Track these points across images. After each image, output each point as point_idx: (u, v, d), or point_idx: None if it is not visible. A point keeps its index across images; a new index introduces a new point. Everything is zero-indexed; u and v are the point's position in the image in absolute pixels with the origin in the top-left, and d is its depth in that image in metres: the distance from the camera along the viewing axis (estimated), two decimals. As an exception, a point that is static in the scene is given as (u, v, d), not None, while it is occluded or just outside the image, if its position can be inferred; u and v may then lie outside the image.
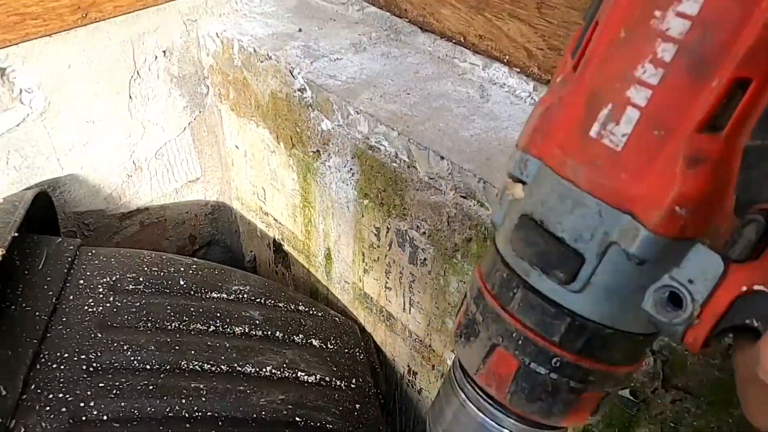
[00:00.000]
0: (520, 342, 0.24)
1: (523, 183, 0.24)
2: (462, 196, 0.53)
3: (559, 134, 0.22)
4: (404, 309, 0.66)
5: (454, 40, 0.65)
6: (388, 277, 0.66)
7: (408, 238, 0.60)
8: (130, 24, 0.69)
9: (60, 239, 0.66)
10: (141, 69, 0.73)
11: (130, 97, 0.74)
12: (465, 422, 0.30)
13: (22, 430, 0.48)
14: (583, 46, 0.22)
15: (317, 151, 0.66)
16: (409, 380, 0.72)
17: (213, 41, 0.73)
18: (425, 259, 0.59)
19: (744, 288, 0.20)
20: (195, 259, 0.71)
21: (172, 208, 0.87)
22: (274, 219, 0.82)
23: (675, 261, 0.21)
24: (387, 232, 0.62)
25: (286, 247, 0.83)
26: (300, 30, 0.71)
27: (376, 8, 0.73)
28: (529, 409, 0.26)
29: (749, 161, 0.19)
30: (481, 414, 0.29)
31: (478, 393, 0.28)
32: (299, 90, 0.64)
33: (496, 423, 0.28)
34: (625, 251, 0.21)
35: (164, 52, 0.74)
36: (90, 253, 0.66)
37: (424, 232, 0.58)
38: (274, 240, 0.85)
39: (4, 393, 0.49)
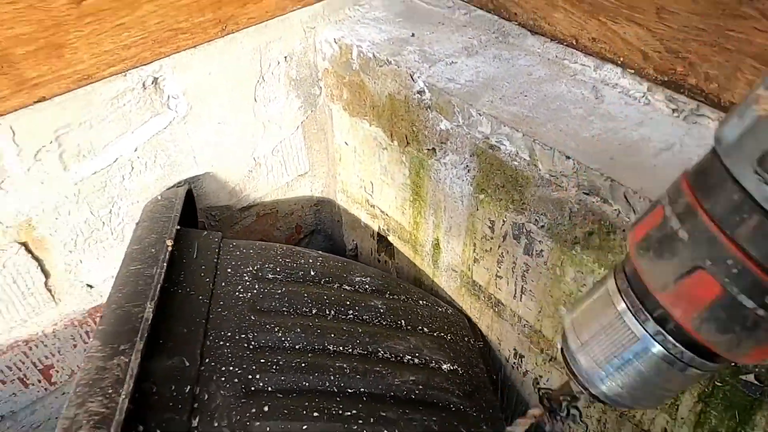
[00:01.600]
0: (734, 271, 0.22)
1: None
2: (585, 193, 0.57)
3: None
4: (515, 296, 0.71)
5: (565, 43, 0.69)
6: (499, 267, 0.71)
7: (525, 230, 0.65)
8: (259, 34, 0.75)
9: (206, 232, 0.74)
10: (265, 74, 0.79)
11: (255, 99, 0.80)
12: (618, 334, 0.28)
13: (206, 396, 0.55)
14: None
15: (433, 148, 0.71)
16: (514, 363, 0.77)
17: (330, 46, 0.79)
18: (542, 250, 0.64)
19: None
20: (319, 251, 0.78)
21: (282, 200, 0.94)
22: (381, 211, 0.88)
23: None
24: (502, 224, 0.67)
25: (391, 238, 0.89)
26: (413, 35, 0.75)
27: (483, 11, 0.77)
28: (714, 338, 0.24)
29: None
30: (641, 328, 0.27)
31: (643, 307, 0.27)
32: (418, 92, 0.69)
33: (658, 342, 0.26)
34: None
35: (285, 57, 0.80)
36: (231, 245, 0.74)
37: (543, 226, 0.62)
38: (379, 230, 0.91)
39: (187, 364, 0.57)
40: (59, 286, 0.75)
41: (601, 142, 0.58)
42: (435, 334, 0.72)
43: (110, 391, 0.48)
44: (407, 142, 0.75)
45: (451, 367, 0.67)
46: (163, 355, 0.57)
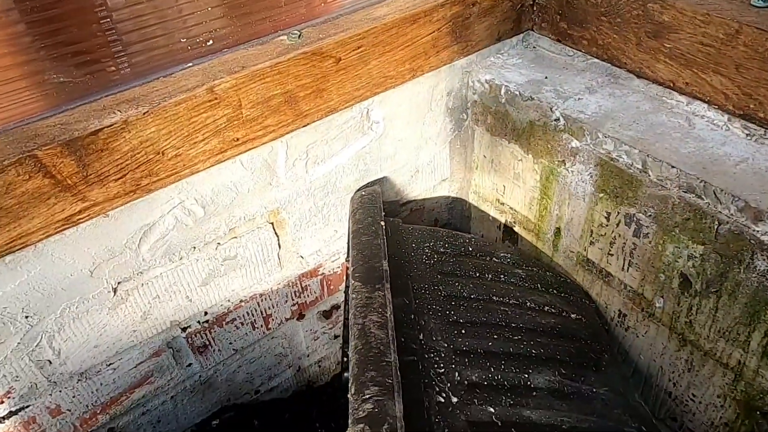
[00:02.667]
0: None
1: None
2: (684, 191, 0.83)
3: None
4: (623, 269, 0.97)
5: (664, 85, 0.95)
6: (611, 247, 0.97)
7: (635, 219, 0.91)
8: (434, 76, 1.04)
9: (391, 218, 1.03)
10: (432, 104, 1.08)
11: (423, 123, 1.09)
12: None
13: (423, 322, 0.83)
14: None
15: (563, 160, 0.98)
16: (618, 321, 1.03)
17: (481, 85, 1.07)
18: (648, 233, 0.90)
19: None
20: (469, 234, 1.06)
21: (428, 199, 1.23)
22: (510, 208, 1.15)
23: None
24: (617, 215, 0.93)
25: (516, 228, 1.16)
26: (546, 77, 1.03)
27: (597, 59, 1.04)
28: None
29: None
30: None
31: None
32: (555, 120, 0.96)
33: None
34: None
35: (448, 92, 1.09)
36: (409, 228, 1.03)
37: (650, 215, 0.88)
38: (506, 223, 1.18)
39: (407, 302, 0.85)
40: (285, 255, 1.05)
41: (694, 156, 0.84)
42: (561, 294, 0.98)
43: (380, 309, 0.77)
44: (541, 156, 1.02)
45: (577, 317, 0.94)
46: (394, 295, 0.85)
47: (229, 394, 1.14)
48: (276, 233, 1.01)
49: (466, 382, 0.75)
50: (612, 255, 0.98)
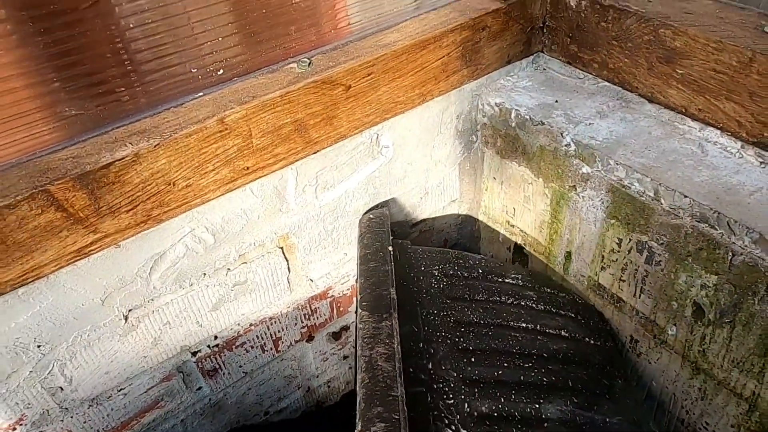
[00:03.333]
0: None
1: None
2: (697, 221, 0.82)
3: None
4: (635, 295, 0.96)
5: (676, 110, 0.94)
6: (623, 273, 0.96)
7: (647, 246, 0.90)
8: (443, 100, 1.04)
9: (400, 241, 1.03)
10: (442, 127, 1.08)
11: (433, 146, 1.09)
12: None
13: (432, 350, 0.83)
14: None
15: (573, 185, 0.98)
16: (630, 346, 1.02)
17: (491, 108, 1.07)
18: (660, 261, 0.89)
19: None
20: (481, 255, 1.05)
21: (438, 220, 1.23)
22: (520, 230, 1.14)
23: None
24: (629, 242, 0.92)
25: (526, 250, 1.15)
26: (556, 101, 1.02)
27: (608, 83, 1.03)
28: None
29: None
30: None
31: None
32: (566, 145, 0.96)
33: None
34: None
35: (457, 116, 1.08)
36: (418, 250, 1.02)
37: (662, 243, 0.87)
38: (515, 244, 1.18)
39: (416, 329, 0.85)
40: (294, 279, 1.05)
41: (708, 185, 0.83)
42: (575, 317, 0.97)
43: (387, 340, 0.77)
44: (551, 180, 1.01)
45: (591, 341, 0.93)
46: (402, 323, 0.85)
47: (239, 416, 1.15)
48: (286, 258, 1.01)
49: (476, 414, 0.75)
50: (624, 281, 0.97)
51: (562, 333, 0.92)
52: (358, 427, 0.65)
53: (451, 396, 0.76)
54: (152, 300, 0.88)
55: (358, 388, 0.70)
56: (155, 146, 0.74)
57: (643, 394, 1.03)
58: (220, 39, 0.82)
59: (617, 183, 0.90)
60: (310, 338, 1.15)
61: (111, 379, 0.90)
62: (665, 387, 0.98)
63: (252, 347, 1.07)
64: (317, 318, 1.13)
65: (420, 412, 0.73)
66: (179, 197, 0.80)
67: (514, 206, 1.13)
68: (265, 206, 0.92)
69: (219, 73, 0.84)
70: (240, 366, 1.07)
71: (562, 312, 0.98)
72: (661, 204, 0.85)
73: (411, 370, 0.78)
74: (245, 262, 0.96)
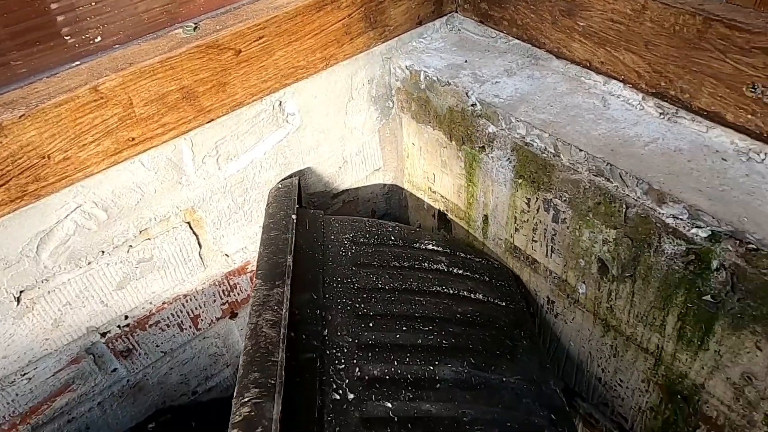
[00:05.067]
0: None
1: None
2: (594, 175, 0.80)
3: None
4: (546, 255, 0.95)
5: (581, 65, 0.92)
6: (534, 233, 0.95)
7: (552, 204, 0.88)
8: (350, 64, 1.01)
9: (312, 210, 1.01)
10: (354, 93, 1.05)
11: (346, 113, 1.06)
12: None
13: (330, 317, 0.81)
14: None
15: (483, 146, 0.96)
16: (547, 308, 1.01)
17: (402, 71, 1.04)
18: (565, 218, 0.87)
19: None
20: (396, 222, 1.03)
21: (362, 190, 1.20)
22: (441, 195, 1.12)
23: None
24: (536, 201, 0.91)
25: (449, 216, 1.13)
26: (466, 61, 1.00)
27: (518, 41, 1.01)
28: None
29: None
30: None
31: None
32: (471, 105, 0.93)
33: None
34: None
35: (368, 80, 1.06)
36: (331, 219, 1.00)
37: (565, 200, 0.86)
38: (439, 211, 1.16)
39: (315, 297, 0.83)
40: (207, 254, 1.03)
41: (605, 138, 0.81)
42: (488, 280, 0.96)
43: (276, 307, 0.75)
44: (463, 142, 0.99)
45: (501, 303, 0.92)
46: (301, 291, 0.83)
47: (164, 397, 1.13)
48: (194, 232, 0.99)
49: (366, 378, 0.73)
50: (536, 242, 0.95)
51: (471, 296, 0.91)
52: (234, 393, 0.63)
53: (342, 361, 0.75)
54: (46, 280, 0.85)
55: (240, 356, 0.69)
56: (20, 117, 0.71)
57: (564, 356, 1.02)
58: (94, 3, 0.78)
59: (520, 141, 0.88)
60: (233, 315, 1.13)
61: (10, 364, 0.88)
62: (582, 347, 0.98)
63: (168, 326, 1.05)
64: (238, 294, 1.11)
65: (308, 378, 0.71)
66: (58, 171, 0.77)
67: (434, 171, 1.11)
68: (160, 179, 0.89)
69: (97, 40, 0.81)
70: (157, 345, 1.05)
71: (477, 276, 0.97)
72: (561, 160, 0.83)
73: (304, 336, 0.77)
74: (148, 239, 0.93)
